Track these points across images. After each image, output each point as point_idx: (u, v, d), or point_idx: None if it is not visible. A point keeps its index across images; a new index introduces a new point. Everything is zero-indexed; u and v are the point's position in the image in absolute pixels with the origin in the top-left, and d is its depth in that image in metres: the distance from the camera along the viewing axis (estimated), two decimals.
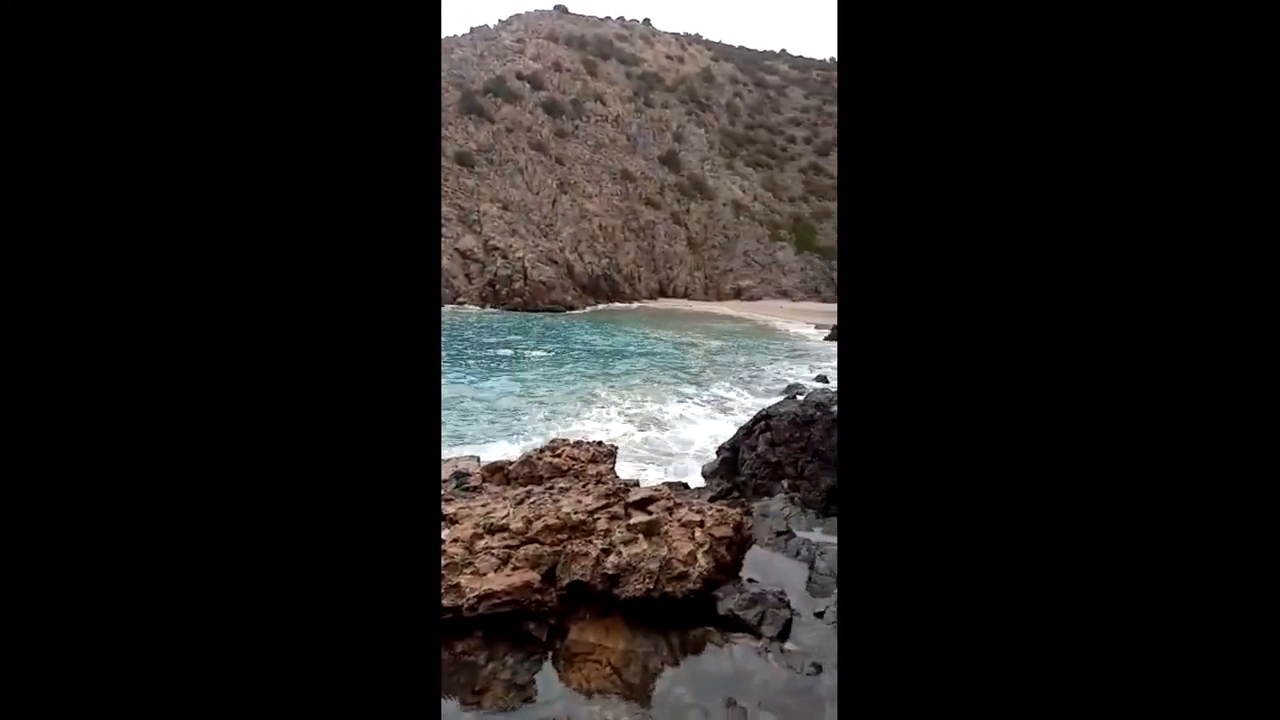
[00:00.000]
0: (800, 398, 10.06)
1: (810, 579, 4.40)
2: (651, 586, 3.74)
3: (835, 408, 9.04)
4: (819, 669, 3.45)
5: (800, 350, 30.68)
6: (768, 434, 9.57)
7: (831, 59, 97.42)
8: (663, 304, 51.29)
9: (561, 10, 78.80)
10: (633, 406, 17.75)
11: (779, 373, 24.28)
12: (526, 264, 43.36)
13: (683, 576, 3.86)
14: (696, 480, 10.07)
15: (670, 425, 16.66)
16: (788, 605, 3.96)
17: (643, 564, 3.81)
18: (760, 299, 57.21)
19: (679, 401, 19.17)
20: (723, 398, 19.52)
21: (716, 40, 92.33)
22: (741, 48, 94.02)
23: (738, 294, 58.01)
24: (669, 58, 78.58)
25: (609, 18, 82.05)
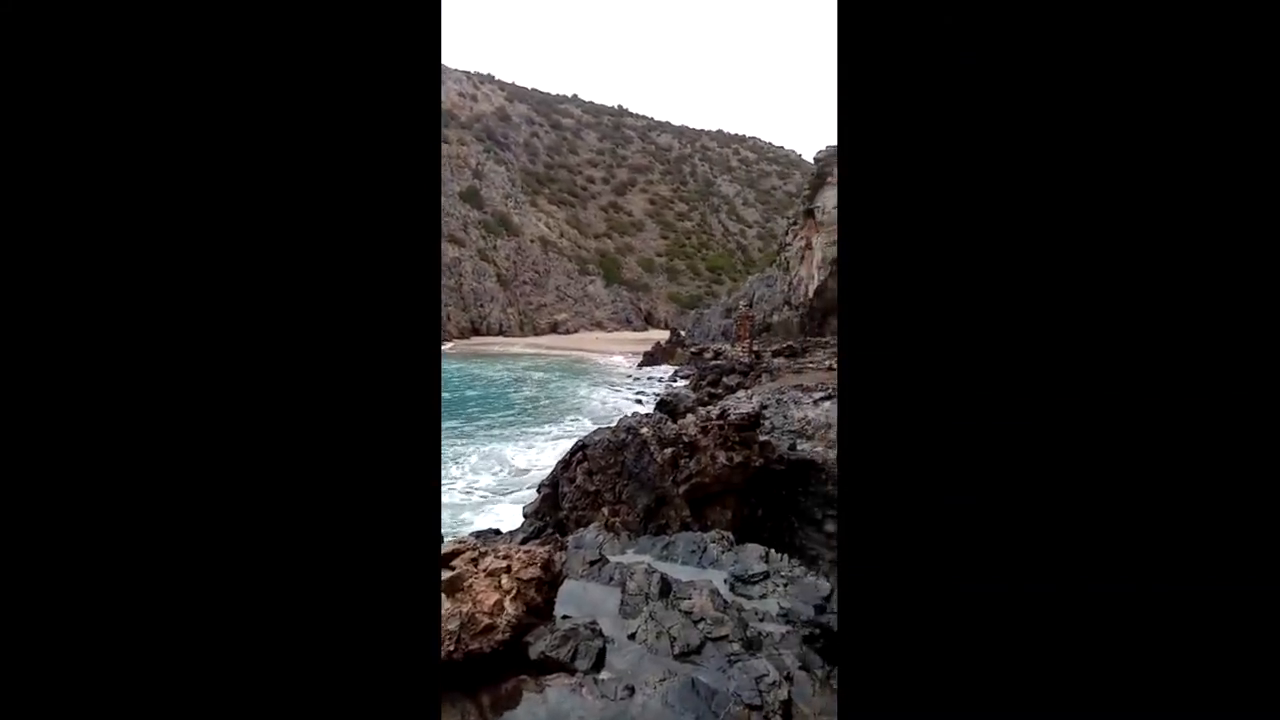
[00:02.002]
0: (613, 423, 10.42)
1: (622, 602, 4.49)
2: (453, 648, 3.48)
3: (645, 430, 9.52)
4: (631, 691, 3.51)
5: (617, 378, 31.90)
6: (585, 464, 9.70)
7: (620, 105, 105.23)
8: (477, 343, 49.58)
9: None
10: (473, 450, 16.67)
11: (603, 399, 24.90)
12: None
13: (489, 630, 3.66)
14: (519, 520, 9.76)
15: (512, 462, 16.01)
16: (600, 634, 3.98)
17: (441, 626, 3.54)
18: (576, 331, 58.41)
19: (519, 438, 18.55)
20: (561, 431, 19.34)
21: (509, 81, 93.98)
22: (534, 90, 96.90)
23: (554, 328, 58.54)
24: (461, 95, 77.79)
25: None
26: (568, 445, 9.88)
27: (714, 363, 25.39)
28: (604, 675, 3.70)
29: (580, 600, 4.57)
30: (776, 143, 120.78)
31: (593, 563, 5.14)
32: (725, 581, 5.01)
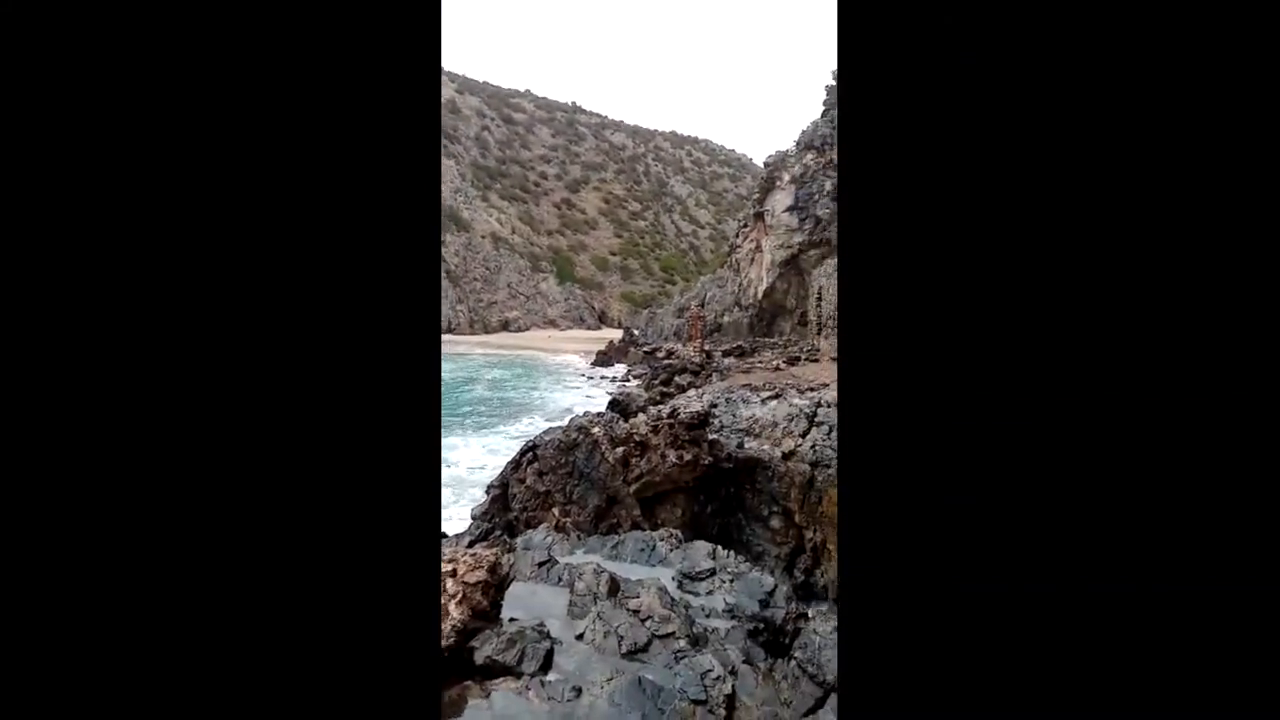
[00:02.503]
0: (564, 423, 10.37)
1: (570, 603, 4.49)
2: None
3: (596, 429, 9.52)
4: (578, 692, 3.52)
5: (569, 377, 31.72)
6: (535, 464, 9.61)
7: (573, 102, 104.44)
8: None
9: None
10: None
11: (555, 399, 24.72)
12: None
13: None
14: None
15: (460, 463, 15.69)
16: (548, 636, 3.96)
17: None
18: (528, 329, 57.67)
19: (469, 438, 18.18)
20: (514, 431, 19.07)
21: (460, 73, 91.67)
22: (486, 83, 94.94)
23: (505, 326, 57.59)
24: None
25: None
26: (518, 445, 9.80)
27: (666, 362, 25.62)
28: (551, 677, 3.69)
29: (528, 602, 4.53)
30: (728, 146, 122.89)
31: (541, 564, 5.11)
32: (673, 579, 5.08)
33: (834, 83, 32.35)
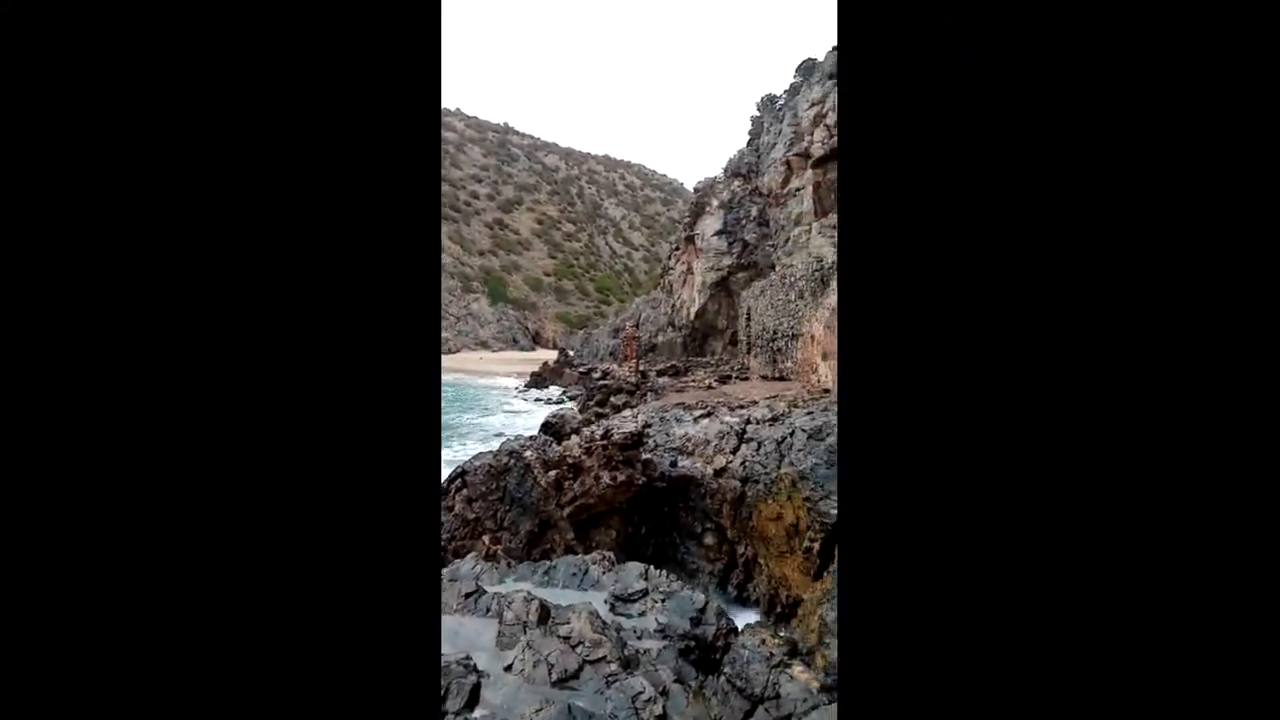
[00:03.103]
0: (495, 447, 10.10)
1: (499, 633, 4.35)
2: None
3: (528, 453, 9.35)
4: None
5: (503, 400, 31.05)
6: (464, 491, 9.30)
7: (505, 123, 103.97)
8: None
9: None
10: None
11: (489, 423, 24.05)
12: None
13: None
14: None
15: None
16: (475, 670, 3.82)
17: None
18: (459, 351, 56.06)
19: None
20: (445, 457, 18.33)
21: None
22: None
23: None
24: None
25: None
26: (447, 473, 9.44)
27: (602, 383, 25.58)
28: (477, 714, 3.55)
29: (455, 636, 4.35)
30: (660, 170, 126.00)
31: (469, 595, 4.93)
32: (605, 602, 5.04)
33: (759, 114, 33.77)
